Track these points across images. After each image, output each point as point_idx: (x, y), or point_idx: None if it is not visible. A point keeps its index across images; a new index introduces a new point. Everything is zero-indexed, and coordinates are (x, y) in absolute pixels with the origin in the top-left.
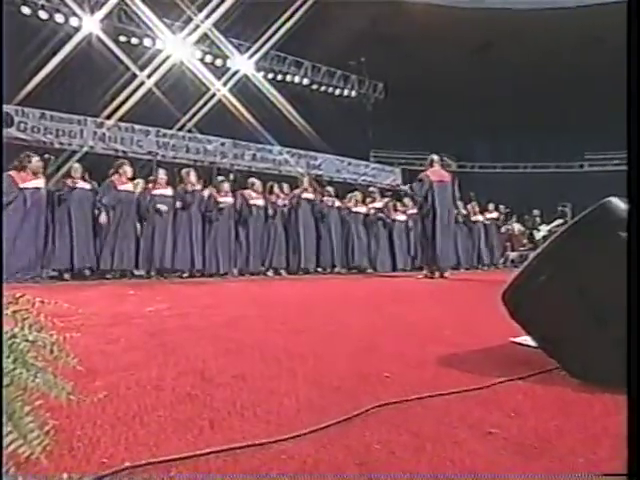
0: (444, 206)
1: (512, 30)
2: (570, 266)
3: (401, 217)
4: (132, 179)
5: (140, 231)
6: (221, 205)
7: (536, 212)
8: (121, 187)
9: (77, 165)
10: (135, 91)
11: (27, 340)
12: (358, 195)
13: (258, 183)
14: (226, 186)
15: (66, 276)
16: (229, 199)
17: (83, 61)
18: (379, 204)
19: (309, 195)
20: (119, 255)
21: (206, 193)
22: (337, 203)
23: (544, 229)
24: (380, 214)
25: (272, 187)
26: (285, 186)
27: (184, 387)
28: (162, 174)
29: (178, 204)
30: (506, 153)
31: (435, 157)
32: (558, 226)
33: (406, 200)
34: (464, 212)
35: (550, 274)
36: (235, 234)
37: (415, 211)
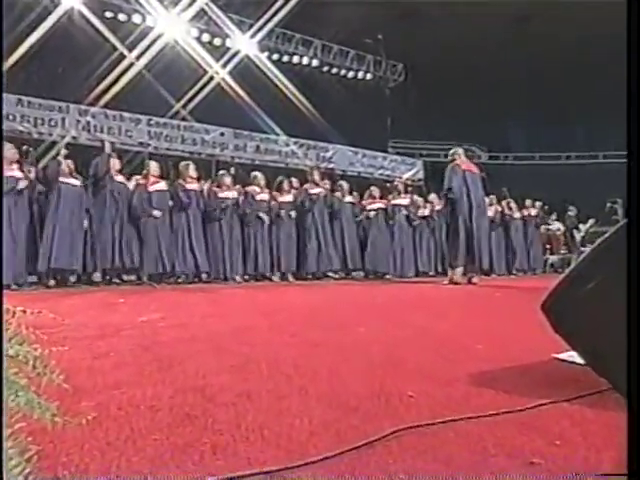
0: (477, 201)
1: (554, 1)
2: (626, 270)
3: (425, 214)
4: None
5: (133, 231)
6: (224, 202)
7: (572, 209)
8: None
9: (64, 159)
10: (123, 74)
11: (7, 355)
12: (375, 190)
13: (261, 176)
14: (228, 180)
15: (51, 282)
16: (232, 195)
17: (64, 40)
18: (405, 200)
19: (319, 191)
20: (110, 257)
21: (205, 188)
22: (351, 199)
23: (583, 228)
24: (405, 211)
25: (282, 182)
26: (294, 181)
27: (182, 407)
28: (154, 167)
29: (171, 203)
30: (546, 141)
31: (460, 150)
32: (592, 226)
33: (431, 196)
34: (498, 209)
35: (601, 279)
36: (238, 234)
37: (441, 207)
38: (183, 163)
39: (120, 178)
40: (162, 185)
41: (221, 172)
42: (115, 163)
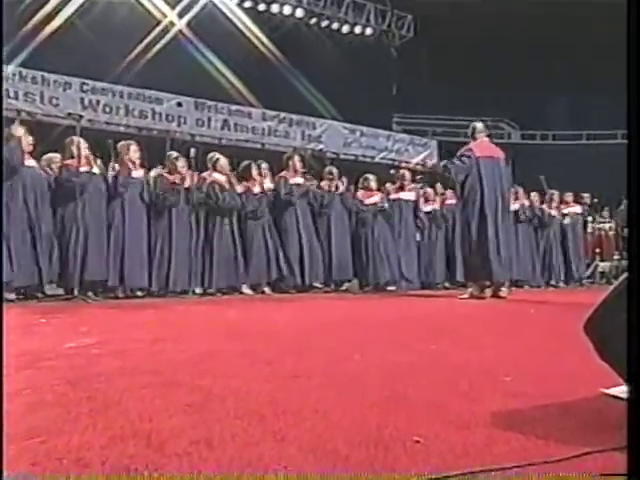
0: (496, 194)
1: None
2: None
3: (435, 209)
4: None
5: (55, 230)
6: (175, 192)
7: (625, 203)
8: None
9: None
10: (47, 23)
11: None
12: (372, 179)
13: (223, 160)
14: (181, 164)
15: None
16: (186, 183)
17: None
18: (411, 195)
19: (302, 180)
20: (24, 264)
21: (152, 174)
22: (343, 189)
23: None
24: (409, 207)
25: (249, 167)
26: (264, 166)
27: (120, 459)
28: (83, 145)
29: (110, 191)
30: (595, 116)
31: (479, 125)
32: None
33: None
34: (527, 203)
35: None
36: (196, 235)
37: (455, 201)
38: (122, 143)
39: (33, 162)
40: (95, 169)
41: (173, 154)
42: (28, 140)
